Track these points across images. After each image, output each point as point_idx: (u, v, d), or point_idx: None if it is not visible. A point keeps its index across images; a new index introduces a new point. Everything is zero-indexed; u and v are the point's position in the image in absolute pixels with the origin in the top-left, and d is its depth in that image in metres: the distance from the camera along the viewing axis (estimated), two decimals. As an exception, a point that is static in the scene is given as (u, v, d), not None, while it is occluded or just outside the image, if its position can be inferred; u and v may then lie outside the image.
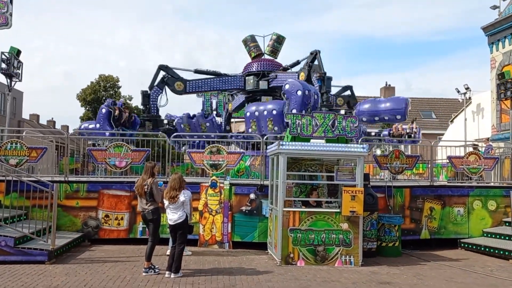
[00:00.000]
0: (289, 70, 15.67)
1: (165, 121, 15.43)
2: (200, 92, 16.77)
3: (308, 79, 13.97)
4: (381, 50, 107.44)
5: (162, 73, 15.18)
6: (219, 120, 17.59)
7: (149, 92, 14.85)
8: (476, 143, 16.07)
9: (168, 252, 8.29)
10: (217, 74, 15.87)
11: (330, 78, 14.10)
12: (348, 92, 17.44)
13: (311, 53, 14.27)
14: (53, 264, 8.10)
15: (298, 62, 15.57)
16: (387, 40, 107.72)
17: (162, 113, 15.84)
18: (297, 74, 14.68)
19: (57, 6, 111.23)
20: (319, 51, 14.08)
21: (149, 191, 7.65)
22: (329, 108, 13.67)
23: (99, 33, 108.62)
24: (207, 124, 15.08)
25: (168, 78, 15.00)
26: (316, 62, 14.10)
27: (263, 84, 15.20)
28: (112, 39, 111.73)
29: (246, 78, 15.42)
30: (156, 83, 14.92)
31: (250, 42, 16.13)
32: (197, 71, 15.88)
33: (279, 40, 16.10)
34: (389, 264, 8.91)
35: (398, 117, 14.62)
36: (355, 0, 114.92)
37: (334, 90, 16.33)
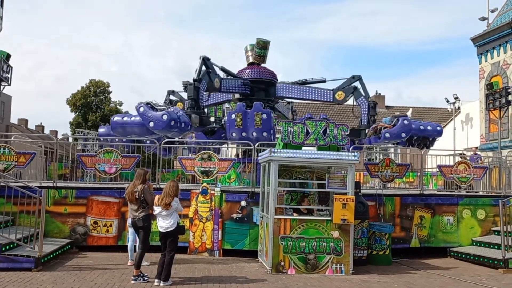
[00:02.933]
0: (312, 85, 16.03)
1: (212, 119, 14.64)
2: (232, 93, 15.85)
3: (345, 99, 15.35)
4: (372, 58, 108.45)
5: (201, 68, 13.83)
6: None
7: (196, 84, 13.38)
8: (464, 152, 16.21)
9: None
10: (235, 76, 15.69)
11: (376, 103, 15.51)
12: (356, 84, 16.01)
13: (353, 77, 15.44)
14: (40, 271, 7.95)
15: (324, 80, 16.27)
16: (378, 49, 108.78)
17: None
18: (332, 91, 15.53)
19: (50, 10, 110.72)
20: (361, 77, 15.33)
21: (140, 197, 7.58)
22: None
23: (91, 38, 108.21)
24: (264, 115, 13.10)
25: (210, 72, 14.03)
26: (357, 85, 15.38)
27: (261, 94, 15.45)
28: (104, 44, 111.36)
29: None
30: (201, 75, 13.68)
31: (249, 50, 16.16)
32: (223, 69, 15.46)
33: (260, 45, 15.91)
34: (380, 273, 8.90)
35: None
36: (347, 9, 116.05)
37: (336, 83, 16.26)
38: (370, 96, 15.64)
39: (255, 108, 12.95)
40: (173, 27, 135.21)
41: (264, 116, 12.82)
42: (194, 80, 13.30)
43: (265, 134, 12.74)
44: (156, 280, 7.26)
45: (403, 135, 13.81)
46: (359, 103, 15.28)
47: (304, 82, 16.24)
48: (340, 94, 15.37)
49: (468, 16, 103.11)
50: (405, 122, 13.78)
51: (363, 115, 15.14)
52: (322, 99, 16.04)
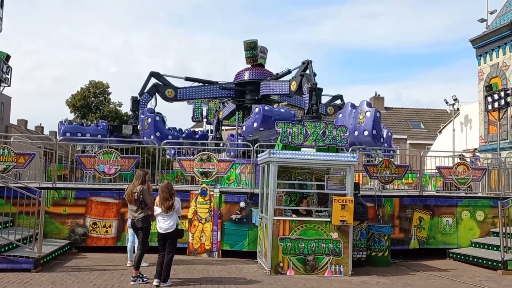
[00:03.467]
0: (281, 79, 15.71)
1: (139, 127, 15.35)
2: (191, 99, 16.75)
3: (299, 88, 13.94)
4: (372, 60, 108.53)
5: (153, 80, 15.17)
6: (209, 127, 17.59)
7: (139, 98, 14.80)
8: (463, 153, 16.22)
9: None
10: (207, 82, 15.90)
11: (320, 89, 13.92)
12: (338, 101, 17.53)
13: (303, 63, 14.19)
14: (39, 272, 7.95)
15: (289, 71, 15.63)
16: (377, 51, 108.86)
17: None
18: (288, 82, 14.64)
19: (49, 10, 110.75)
20: (311, 61, 14.00)
21: (139, 198, 7.58)
22: (317, 118, 13.30)
23: (91, 38, 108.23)
24: (149, 120, 14.30)
25: (159, 85, 15.02)
26: (307, 72, 13.96)
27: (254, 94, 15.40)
28: (104, 44, 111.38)
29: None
30: (146, 89, 14.91)
31: (250, 49, 16.17)
32: (188, 79, 15.93)
33: (248, 47, 15.91)
34: (379, 274, 8.91)
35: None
36: (347, 11, 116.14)
37: (324, 99, 16.46)
38: (312, 81, 13.48)
39: (144, 113, 14.23)
40: (173, 27, 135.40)
41: (149, 120, 13.89)
42: (139, 95, 14.97)
43: (158, 134, 13.73)
44: (156, 280, 7.25)
45: (255, 124, 12.93)
46: (304, 90, 13.58)
47: (275, 77, 15.90)
48: (293, 84, 14.15)
49: (467, 18, 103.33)
50: (256, 110, 12.99)
51: (304, 103, 13.58)
52: (281, 93, 15.42)
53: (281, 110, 13.09)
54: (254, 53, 15.93)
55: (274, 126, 11.89)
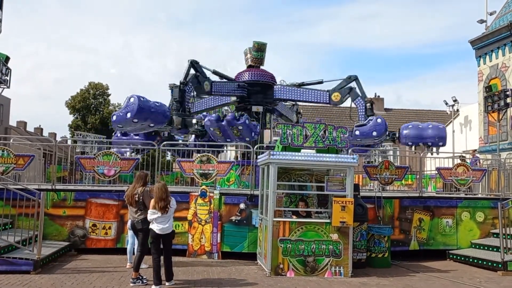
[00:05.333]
0: (309, 86, 15.97)
1: (194, 121, 14.25)
2: (223, 95, 15.82)
3: (341, 100, 15.23)
4: (371, 61, 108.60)
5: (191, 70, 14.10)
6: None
7: (182, 87, 13.48)
8: (463, 154, 16.22)
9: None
10: (230, 79, 15.68)
11: (373, 103, 15.33)
12: (352, 84, 15.72)
13: (349, 77, 15.14)
14: (39, 274, 7.94)
15: (321, 82, 16.08)
16: (377, 52, 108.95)
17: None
18: (327, 92, 15.34)
19: (49, 12, 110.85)
20: (357, 77, 15.04)
21: (140, 200, 7.57)
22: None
23: (90, 40, 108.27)
24: (240, 127, 13.18)
25: (200, 76, 14.12)
26: (353, 85, 15.13)
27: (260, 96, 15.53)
28: (104, 46, 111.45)
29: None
30: (188, 78, 13.79)
31: (248, 53, 16.18)
32: (215, 72, 15.42)
33: (257, 48, 15.94)
34: (379, 275, 8.90)
35: (441, 143, 14.86)
36: (347, 12, 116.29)
37: (332, 84, 16.05)
38: (367, 96, 15.37)
39: (227, 123, 12.98)
40: (172, 29, 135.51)
41: (240, 127, 13.00)
42: (181, 83, 13.38)
43: (247, 139, 13.03)
44: (167, 283, 7.32)
45: (374, 133, 13.73)
46: (356, 104, 15.04)
47: (301, 84, 16.19)
48: (336, 95, 15.11)
49: (467, 19, 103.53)
50: (378, 120, 13.71)
51: (360, 116, 14.92)
52: (319, 101, 15.85)
53: (156, 103, 12.57)
54: (262, 55, 15.99)
55: (149, 118, 12.07)
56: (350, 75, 15.23)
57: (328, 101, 15.42)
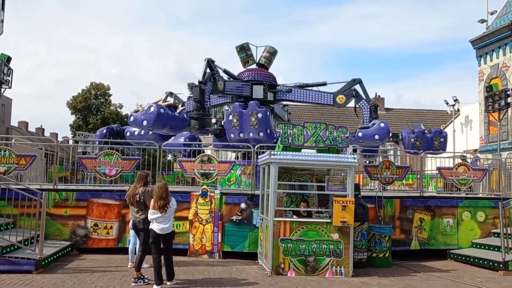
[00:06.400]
0: (315, 88, 16.03)
1: (214, 120, 14.26)
2: (234, 95, 15.58)
3: (346, 102, 15.46)
4: (372, 61, 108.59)
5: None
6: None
7: (202, 86, 13.26)
8: (464, 154, 16.22)
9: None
10: (237, 79, 15.67)
11: (377, 106, 15.49)
12: (356, 86, 15.95)
13: (354, 80, 15.36)
14: (41, 273, 7.97)
15: (325, 84, 16.17)
16: (377, 52, 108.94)
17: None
18: (332, 95, 15.53)
19: (49, 12, 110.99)
20: (361, 80, 15.25)
21: (141, 200, 7.60)
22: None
23: (91, 40, 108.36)
24: (260, 115, 12.69)
25: (216, 75, 13.93)
26: (357, 87, 15.30)
27: (269, 95, 15.42)
28: (104, 46, 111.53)
29: (254, 87, 15.27)
30: (206, 77, 13.56)
31: (244, 50, 16.18)
32: (226, 72, 15.38)
33: (274, 54, 16.43)
34: (380, 275, 8.91)
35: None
36: (347, 12, 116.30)
37: (336, 87, 16.11)
38: (371, 99, 15.67)
39: (250, 107, 12.74)
40: (173, 29, 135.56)
41: (260, 115, 12.57)
42: (200, 82, 13.20)
43: (261, 134, 12.60)
44: (168, 282, 7.30)
45: (376, 137, 13.95)
46: (361, 106, 15.35)
47: (305, 85, 16.29)
48: (341, 98, 15.45)
49: (468, 18, 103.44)
50: (381, 125, 13.94)
51: (365, 118, 15.18)
52: (323, 102, 16.03)
53: (175, 115, 12.89)
54: (272, 59, 16.21)
55: (167, 125, 12.57)
56: (355, 78, 15.52)
57: (332, 103, 15.73)
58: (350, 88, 15.50)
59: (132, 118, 13.02)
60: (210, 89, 13.59)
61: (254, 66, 16.15)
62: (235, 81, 15.32)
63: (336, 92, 15.62)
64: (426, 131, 15.25)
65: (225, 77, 15.21)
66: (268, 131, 12.77)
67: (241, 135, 12.77)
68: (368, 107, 15.20)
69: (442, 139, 15.02)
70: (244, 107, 13.04)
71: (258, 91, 15.32)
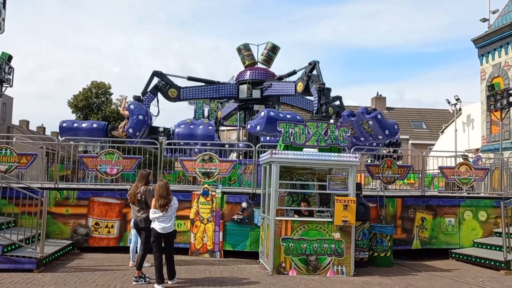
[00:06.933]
0: (285, 79, 15.68)
1: (161, 129, 14.62)
2: (194, 99, 16.53)
3: (306, 89, 13.62)
4: (374, 60, 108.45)
5: (155, 80, 15.01)
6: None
7: (142, 97, 14.34)
8: (466, 153, 16.19)
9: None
10: (210, 82, 15.86)
11: (329, 89, 13.56)
12: (337, 102, 16.76)
13: (310, 63, 13.80)
14: (42, 272, 7.97)
15: (294, 72, 15.52)
16: (379, 51, 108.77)
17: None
18: (294, 83, 14.31)
19: (51, 11, 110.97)
20: (318, 62, 13.64)
21: (142, 199, 7.59)
22: (326, 118, 12.81)
23: (92, 39, 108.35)
24: (370, 122, 12.23)
25: (162, 85, 14.72)
26: (315, 73, 13.56)
27: (256, 93, 15.25)
28: (106, 45, 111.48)
29: (240, 86, 15.43)
30: (149, 89, 14.59)
31: (244, 51, 16.20)
32: (190, 78, 15.82)
33: (273, 50, 16.25)
34: (381, 274, 8.89)
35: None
36: (348, 11, 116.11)
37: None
38: (322, 81, 13.06)
39: (357, 116, 12.42)
40: (174, 29, 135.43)
41: (370, 122, 12.23)
42: (142, 94, 14.39)
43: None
44: (161, 285, 7.24)
45: (258, 128, 12.76)
46: (313, 91, 13.20)
47: (281, 78, 15.79)
48: (299, 85, 13.93)
49: (469, 17, 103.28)
50: (261, 114, 12.72)
51: (314, 104, 13.10)
52: (286, 93, 15.12)
53: (288, 115, 12.82)
54: (274, 57, 16.12)
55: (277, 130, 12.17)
56: (311, 61, 13.75)
57: (294, 93, 14.44)
58: (307, 73, 13.69)
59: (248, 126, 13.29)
60: (151, 99, 14.58)
61: (259, 65, 16.15)
62: (197, 86, 15.53)
63: (297, 80, 14.33)
64: (352, 115, 12.83)
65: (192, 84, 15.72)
66: (387, 132, 12.38)
67: (362, 139, 12.61)
68: (316, 90, 12.84)
69: (371, 122, 12.28)
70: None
71: (243, 91, 15.47)
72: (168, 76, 15.16)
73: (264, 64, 16.11)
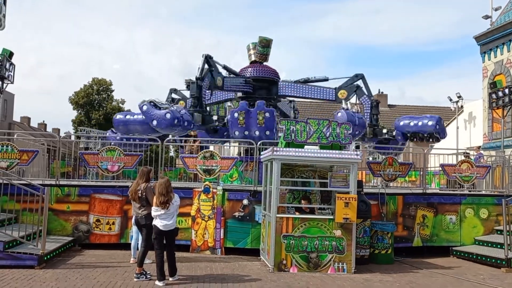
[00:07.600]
0: (315, 83, 16.01)
1: (215, 117, 14.26)
2: (234, 91, 15.66)
3: (346, 97, 15.28)
4: (375, 57, 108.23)
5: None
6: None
7: (199, 83, 13.32)
8: (467, 151, 16.16)
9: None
10: (237, 74, 15.63)
11: (378, 102, 15.52)
12: (357, 83, 15.93)
13: (356, 75, 15.37)
14: (43, 269, 7.98)
15: (327, 79, 16.21)
16: (381, 48, 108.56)
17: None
18: (334, 90, 15.54)
19: (52, 8, 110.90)
20: (364, 75, 15.27)
21: (143, 196, 7.59)
22: (374, 131, 14.78)
23: (93, 35, 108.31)
24: (267, 114, 12.67)
25: (213, 71, 14.01)
26: (360, 84, 15.31)
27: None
28: (107, 42, 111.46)
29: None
30: (203, 73, 13.59)
31: (251, 49, 16.09)
32: (225, 68, 15.39)
33: (263, 44, 15.79)
34: (382, 272, 8.89)
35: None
36: (350, 7, 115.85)
37: (339, 82, 16.14)
38: (372, 94, 15.55)
39: (258, 106, 12.80)
40: (175, 25, 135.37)
41: (267, 114, 12.63)
42: (197, 79, 13.25)
43: (267, 133, 12.61)
44: (162, 282, 7.21)
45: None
46: (362, 101, 15.25)
47: (306, 81, 16.23)
48: (342, 93, 15.35)
49: (472, 14, 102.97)
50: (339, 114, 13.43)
51: (365, 114, 15.08)
52: (325, 98, 15.99)
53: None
54: (267, 51, 15.93)
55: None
56: (357, 73, 15.42)
57: (334, 98, 15.62)
58: (352, 84, 15.43)
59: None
60: (208, 85, 13.60)
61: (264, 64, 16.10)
62: (236, 77, 15.28)
63: (338, 87, 15.55)
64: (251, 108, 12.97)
65: (225, 73, 15.17)
66: (274, 130, 12.89)
67: (246, 132, 12.73)
68: (369, 102, 15.10)
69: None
70: (249, 106, 13.06)
71: (261, 92, 15.36)
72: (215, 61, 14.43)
73: (260, 60, 15.95)
